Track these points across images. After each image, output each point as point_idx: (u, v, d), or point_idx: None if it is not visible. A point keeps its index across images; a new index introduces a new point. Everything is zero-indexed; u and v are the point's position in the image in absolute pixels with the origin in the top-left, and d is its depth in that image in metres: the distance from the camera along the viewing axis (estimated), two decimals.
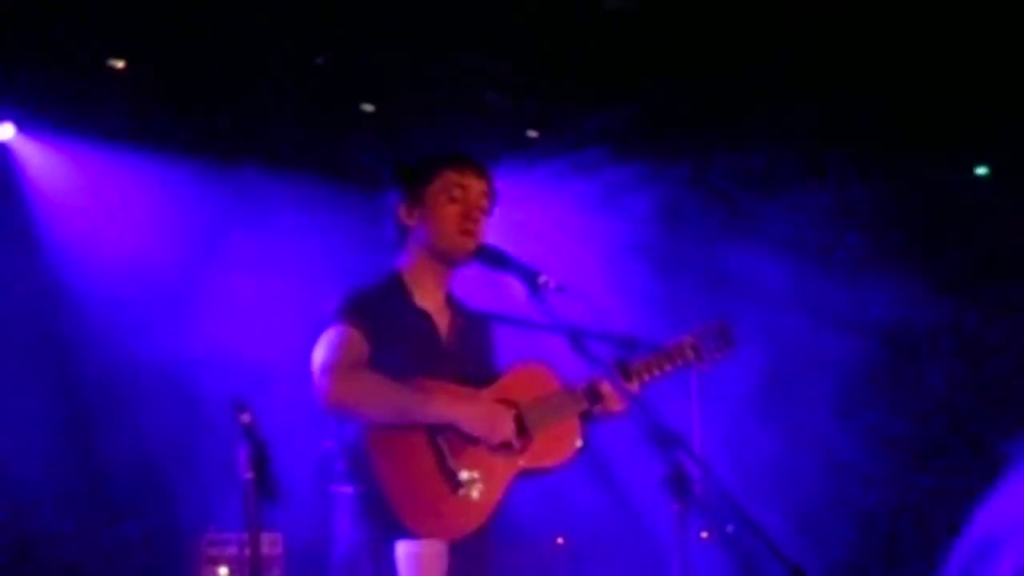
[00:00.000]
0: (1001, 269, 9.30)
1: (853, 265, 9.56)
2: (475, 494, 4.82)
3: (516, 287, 4.80)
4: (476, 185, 5.09)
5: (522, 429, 4.96)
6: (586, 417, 5.09)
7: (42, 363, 8.33)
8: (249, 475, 4.29)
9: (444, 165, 5.09)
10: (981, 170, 9.42)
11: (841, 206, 9.47)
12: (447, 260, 5.08)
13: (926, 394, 9.60)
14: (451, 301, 5.15)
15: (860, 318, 9.46)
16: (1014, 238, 9.17)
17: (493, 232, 5.13)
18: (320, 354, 4.83)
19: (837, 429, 9.52)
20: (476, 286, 5.30)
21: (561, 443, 5.04)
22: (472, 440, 4.85)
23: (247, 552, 4.38)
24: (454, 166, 5.09)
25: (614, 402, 5.07)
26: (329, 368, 4.77)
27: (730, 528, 7.16)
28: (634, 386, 5.11)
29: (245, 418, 4.34)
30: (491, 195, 5.14)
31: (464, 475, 4.80)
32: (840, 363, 9.42)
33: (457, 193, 5.04)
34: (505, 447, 4.91)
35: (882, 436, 9.56)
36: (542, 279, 4.74)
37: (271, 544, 7.51)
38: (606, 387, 5.04)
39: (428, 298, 5.07)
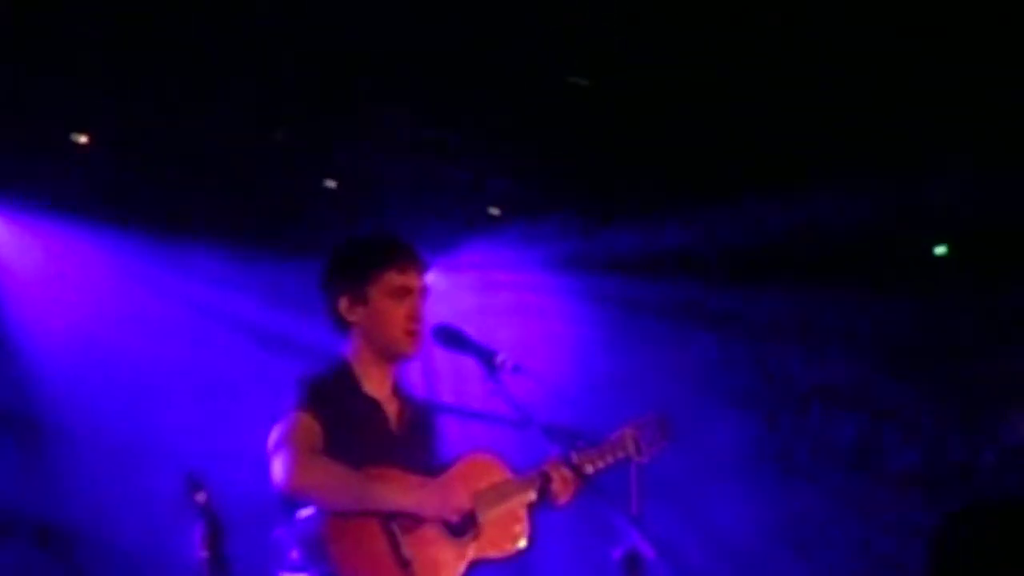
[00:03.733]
0: None
1: None
2: None
3: (472, 367, 4.84)
4: (418, 282, 5.12)
5: (472, 518, 4.97)
6: (533, 508, 5.10)
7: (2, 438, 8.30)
8: (204, 554, 4.29)
9: (387, 264, 5.08)
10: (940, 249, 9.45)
11: None
12: (391, 358, 5.12)
13: None
14: (398, 390, 5.17)
15: None
16: None
17: (452, 311, 5.16)
18: (279, 441, 4.82)
19: None
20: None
21: (510, 533, 5.06)
22: (426, 528, 4.86)
23: None
24: (397, 265, 5.09)
25: (561, 493, 5.09)
26: (289, 455, 4.77)
27: None
28: (579, 477, 5.12)
29: (200, 497, 4.35)
30: (426, 284, 5.18)
31: (417, 563, 4.80)
32: None
33: (401, 293, 5.06)
34: (457, 535, 4.92)
35: None
36: (499, 359, 4.79)
37: None
38: (555, 477, 5.07)
39: (376, 386, 5.09)
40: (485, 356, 4.82)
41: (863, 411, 9.59)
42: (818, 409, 9.62)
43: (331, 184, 8.62)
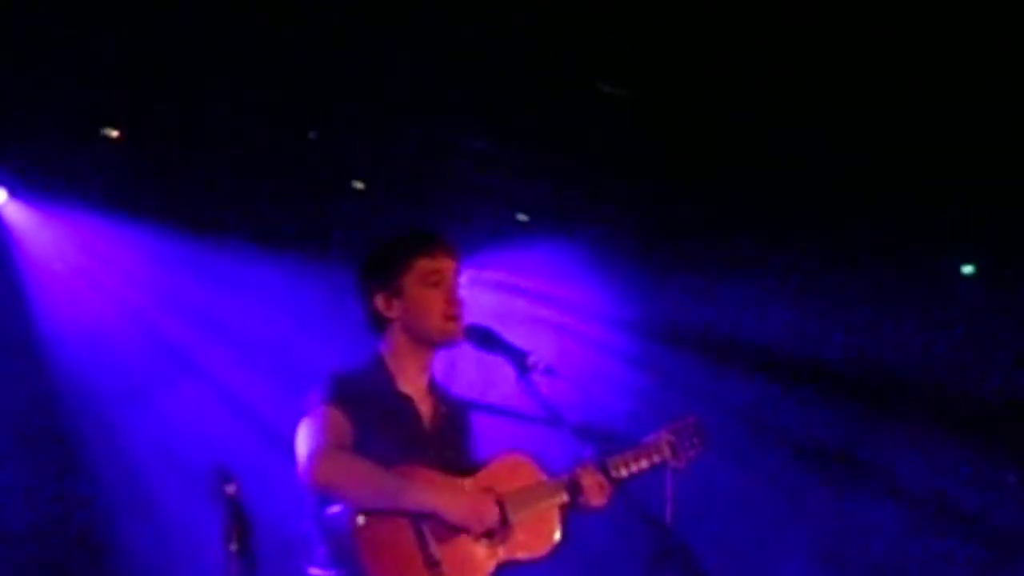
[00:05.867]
0: None
1: None
2: None
3: (504, 368, 4.81)
4: (450, 267, 5.08)
5: (503, 520, 4.93)
6: (566, 510, 5.07)
7: (29, 426, 8.32)
8: (232, 546, 4.28)
9: (416, 252, 5.07)
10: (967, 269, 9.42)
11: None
12: (434, 346, 5.08)
13: None
14: (433, 387, 5.14)
15: None
16: None
17: (481, 315, 5.13)
18: (306, 435, 4.81)
19: None
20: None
21: (541, 536, 5.02)
22: (456, 529, 4.83)
23: None
24: (426, 251, 5.07)
25: (595, 496, 5.04)
26: (316, 449, 4.75)
27: None
28: (611, 482, 5.07)
29: (230, 488, 4.34)
30: (460, 269, 5.14)
31: (446, 564, 4.78)
32: None
33: (435, 279, 5.03)
34: (487, 537, 4.89)
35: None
36: (531, 360, 4.76)
37: None
38: (587, 481, 5.03)
39: (411, 383, 5.06)
40: (517, 357, 4.80)
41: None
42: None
43: (359, 185, 8.63)
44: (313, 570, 4.81)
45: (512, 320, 8.25)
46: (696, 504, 5.32)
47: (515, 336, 4.98)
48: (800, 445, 9.56)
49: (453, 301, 5.03)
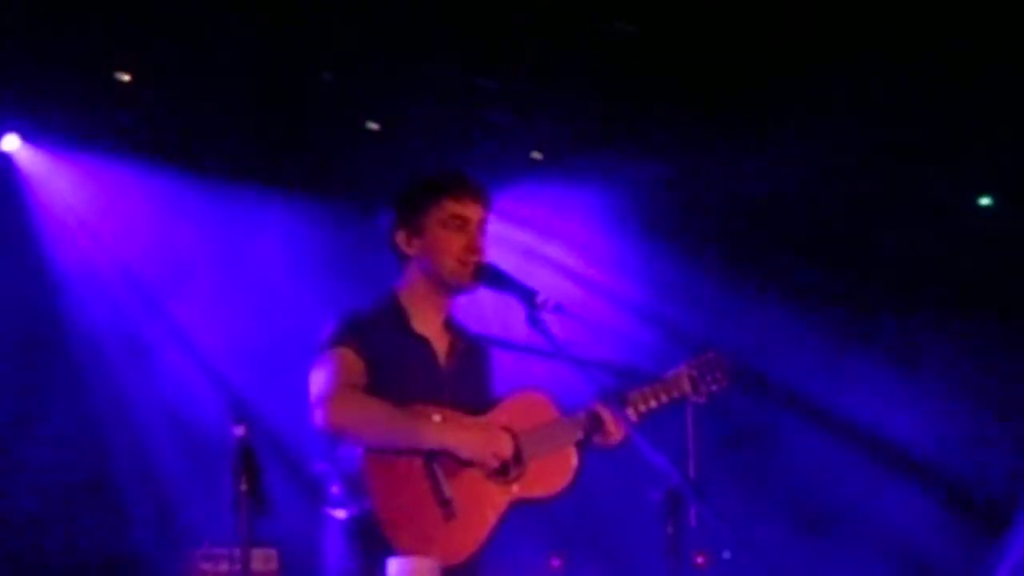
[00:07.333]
0: None
1: None
2: (468, 522, 4.79)
3: (515, 306, 4.79)
4: (476, 213, 5.02)
5: (517, 457, 4.91)
6: (582, 446, 5.05)
7: (39, 375, 8.35)
8: (241, 487, 4.30)
9: (443, 193, 5.00)
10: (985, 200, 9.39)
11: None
12: (448, 290, 5.05)
13: None
14: (450, 325, 5.10)
15: None
16: None
17: (492, 252, 5.10)
18: (318, 377, 4.81)
19: None
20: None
21: (556, 473, 5.00)
22: (468, 466, 4.82)
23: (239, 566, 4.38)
24: (453, 194, 5.00)
25: (611, 432, 5.02)
26: (328, 391, 4.75)
27: (727, 554, 7.16)
28: (631, 416, 5.04)
29: (239, 430, 4.35)
30: (488, 217, 5.08)
31: (458, 502, 4.76)
32: None
33: (458, 223, 4.98)
34: (500, 474, 4.88)
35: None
36: (540, 298, 4.73)
37: (266, 560, 7.41)
38: (604, 417, 5.00)
39: (426, 323, 5.03)
40: (527, 295, 4.77)
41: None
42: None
43: (373, 126, 8.61)
44: (328, 510, 4.81)
45: (524, 258, 8.31)
46: None
47: (532, 277, 4.95)
48: None
49: (473, 248, 4.96)
